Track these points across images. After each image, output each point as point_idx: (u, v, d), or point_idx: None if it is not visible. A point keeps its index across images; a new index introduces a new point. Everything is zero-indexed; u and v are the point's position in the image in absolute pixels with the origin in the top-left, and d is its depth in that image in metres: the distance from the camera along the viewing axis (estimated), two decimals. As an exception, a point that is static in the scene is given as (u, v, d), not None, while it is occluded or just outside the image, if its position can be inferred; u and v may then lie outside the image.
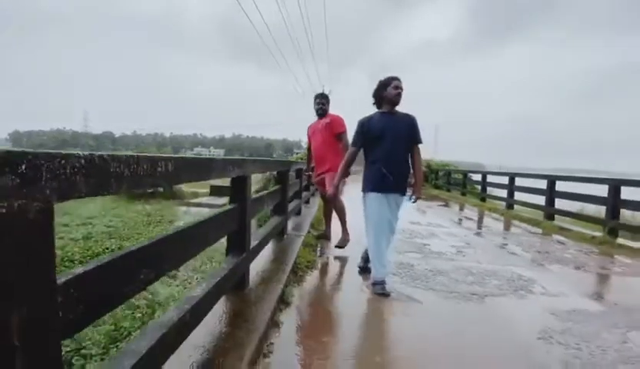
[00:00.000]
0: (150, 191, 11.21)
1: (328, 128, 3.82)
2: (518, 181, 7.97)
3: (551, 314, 2.40)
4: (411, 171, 2.74)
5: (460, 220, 6.86)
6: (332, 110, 4.04)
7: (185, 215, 8.50)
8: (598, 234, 5.05)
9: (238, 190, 2.07)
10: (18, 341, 0.62)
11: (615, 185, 4.97)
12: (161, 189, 11.22)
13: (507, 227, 6.29)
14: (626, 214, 5.79)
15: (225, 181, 2.43)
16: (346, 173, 3.01)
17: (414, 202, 2.76)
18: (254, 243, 2.38)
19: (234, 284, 2.01)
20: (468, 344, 1.97)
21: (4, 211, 0.59)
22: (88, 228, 6.58)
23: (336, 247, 3.73)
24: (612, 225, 4.92)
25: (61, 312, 0.74)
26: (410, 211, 7.31)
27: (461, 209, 8.45)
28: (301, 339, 1.95)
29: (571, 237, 5.16)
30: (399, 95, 2.63)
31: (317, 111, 3.92)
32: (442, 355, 1.85)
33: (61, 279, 0.76)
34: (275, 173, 4.09)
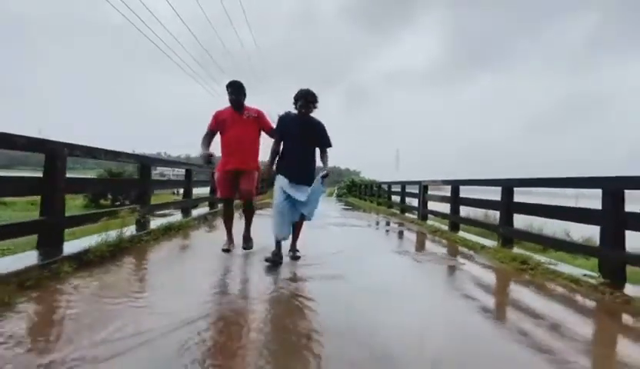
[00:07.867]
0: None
1: (256, 123, 3.43)
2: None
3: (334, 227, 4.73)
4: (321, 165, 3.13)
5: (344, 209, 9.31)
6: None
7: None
8: (414, 217, 7.61)
9: (143, 173, 4.26)
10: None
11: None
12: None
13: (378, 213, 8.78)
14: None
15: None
16: (273, 163, 3.19)
17: (323, 177, 2.99)
18: (153, 203, 4.54)
19: (140, 217, 4.14)
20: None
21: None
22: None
23: (244, 248, 3.51)
24: (422, 212, 7.23)
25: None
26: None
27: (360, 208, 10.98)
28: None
29: (401, 218, 7.71)
30: (302, 107, 3.01)
31: (232, 102, 3.39)
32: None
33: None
34: (185, 169, 6.09)
